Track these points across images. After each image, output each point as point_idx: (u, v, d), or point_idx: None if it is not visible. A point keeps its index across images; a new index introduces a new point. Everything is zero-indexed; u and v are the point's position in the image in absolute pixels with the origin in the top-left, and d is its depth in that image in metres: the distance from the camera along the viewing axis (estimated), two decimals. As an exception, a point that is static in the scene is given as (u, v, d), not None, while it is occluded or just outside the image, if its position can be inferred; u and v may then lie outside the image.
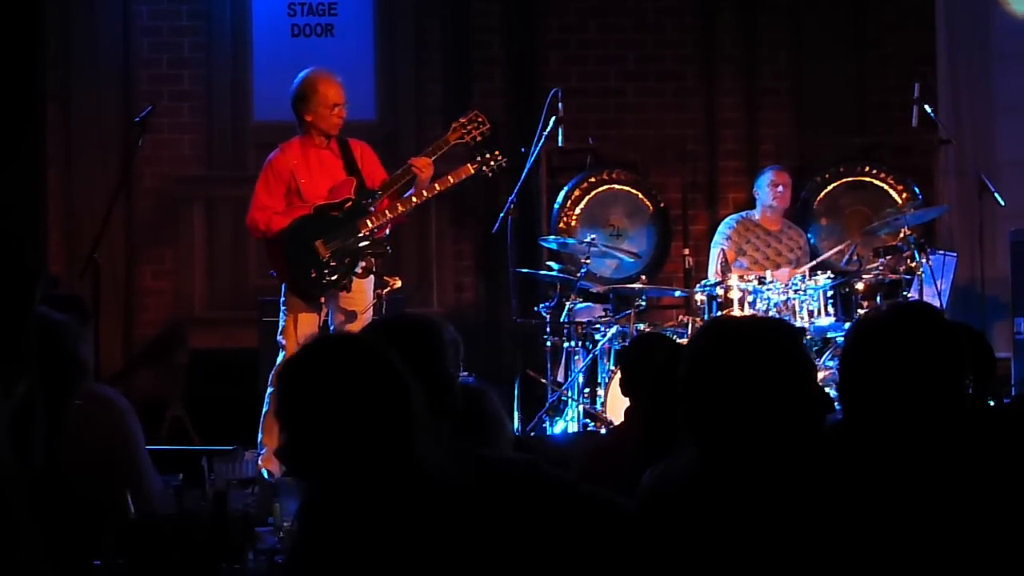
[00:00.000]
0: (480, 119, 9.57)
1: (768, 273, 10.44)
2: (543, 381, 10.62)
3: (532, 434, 10.08)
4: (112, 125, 11.54)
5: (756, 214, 11.24)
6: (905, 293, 10.49)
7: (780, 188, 11.14)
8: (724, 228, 11.28)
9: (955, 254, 11.19)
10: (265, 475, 7.52)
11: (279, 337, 9.38)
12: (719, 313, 10.13)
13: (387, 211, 9.32)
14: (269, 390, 8.97)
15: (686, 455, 3.87)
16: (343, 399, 3.53)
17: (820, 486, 3.49)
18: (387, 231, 9.45)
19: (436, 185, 9.44)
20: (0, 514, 2.95)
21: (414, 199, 9.36)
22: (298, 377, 3.60)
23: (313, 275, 9.25)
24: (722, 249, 10.99)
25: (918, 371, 3.65)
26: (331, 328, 9.19)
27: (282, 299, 9.40)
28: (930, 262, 10.55)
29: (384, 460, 3.53)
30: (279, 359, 9.02)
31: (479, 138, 9.50)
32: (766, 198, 11.17)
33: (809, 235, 11.80)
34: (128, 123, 11.00)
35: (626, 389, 6.62)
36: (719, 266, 10.66)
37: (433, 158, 9.36)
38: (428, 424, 3.66)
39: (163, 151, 11.78)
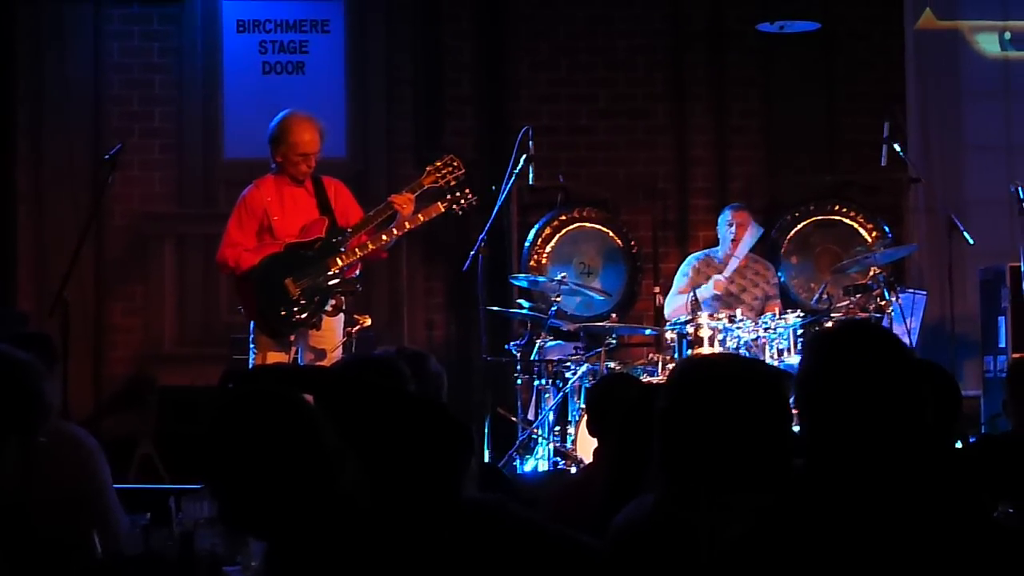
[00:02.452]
0: (455, 163, 9.56)
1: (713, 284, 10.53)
2: (513, 419, 10.59)
3: (505, 472, 10.04)
4: (82, 162, 11.50)
5: (719, 251, 11.22)
6: (880, 331, 10.48)
7: (734, 227, 11.13)
8: (685, 266, 11.31)
9: (925, 292, 11.23)
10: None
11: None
12: (689, 351, 10.13)
13: (358, 249, 9.32)
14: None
15: (654, 496, 3.85)
16: (257, 465, 3.55)
17: (793, 527, 3.46)
18: (358, 270, 9.45)
19: (407, 223, 9.44)
20: None
21: (384, 237, 9.35)
22: (212, 450, 3.63)
23: (283, 313, 9.24)
24: (686, 288, 11.03)
25: (876, 389, 3.53)
26: (301, 364, 9.18)
27: (251, 336, 9.38)
28: (900, 300, 10.56)
29: (304, 510, 3.52)
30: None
31: (453, 182, 9.47)
32: (725, 236, 11.17)
33: (780, 273, 11.80)
34: (98, 160, 10.97)
35: (593, 429, 6.61)
36: (688, 305, 10.65)
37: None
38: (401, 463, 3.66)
39: (133, 188, 11.76)
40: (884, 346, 3.57)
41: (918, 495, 3.46)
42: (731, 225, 11.14)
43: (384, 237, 9.40)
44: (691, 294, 10.87)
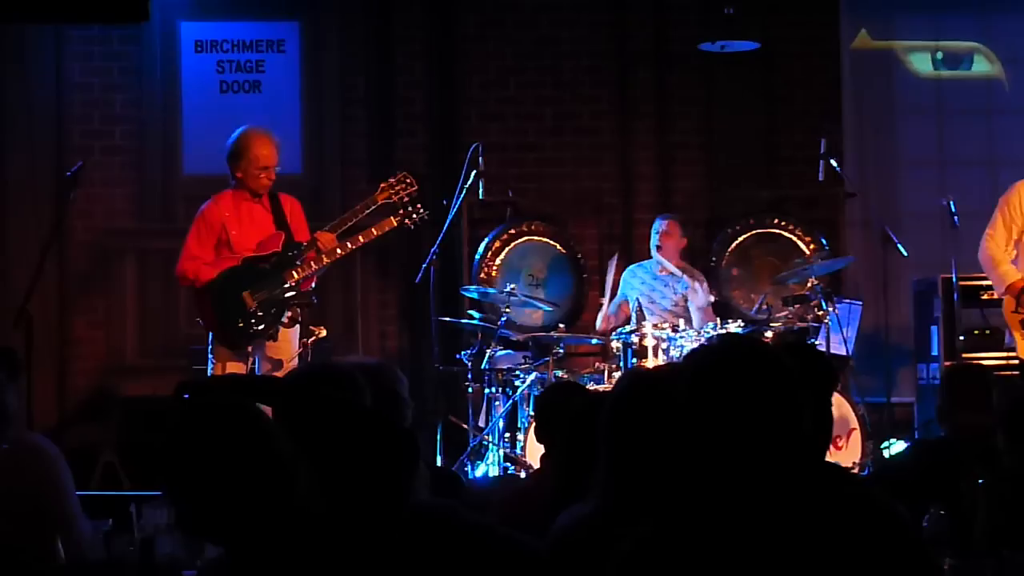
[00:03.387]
0: (408, 180, 9.63)
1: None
2: (464, 426, 10.64)
3: (457, 477, 10.09)
4: (44, 179, 11.51)
5: (653, 261, 11.31)
6: (813, 340, 10.59)
7: (663, 237, 11.22)
8: (625, 275, 11.38)
9: (860, 302, 11.29)
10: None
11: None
12: (634, 360, 10.19)
13: (313, 262, 9.35)
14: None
15: (595, 501, 3.90)
16: (212, 474, 3.58)
17: (728, 532, 3.49)
18: (313, 282, 9.49)
19: (360, 237, 9.49)
20: None
21: (338, 251, 9.40)
22: (169, 460, 3.65)
23: (240, 324, 9.27)
24: (629, 298, 11.12)
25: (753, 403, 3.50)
26: (258, 374, 9.22)
27: (210, 347, 9.41)
28: (836, 310, 10.64)
29: (258, 517, 3.56)
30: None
31: (406, 199, 9.54)
32: (652, 244, 11.28)
33: (721, 285, 11.88)
34: (60, 177, 10.99)
35: (540, 436, 6.65)
36: (635, 315, 10.70)
37: (356, 219, 9.45)
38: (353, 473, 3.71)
39: (95, 204, 11.76)
40: (760, 361, 3.59)
41: (798, 501, 3.50)
42: (657, 234, 11.23)
43: (339, 251, 9.45)
44: (636, 303, 10.92)
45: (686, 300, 11.15)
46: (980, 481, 5.72)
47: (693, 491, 3.68)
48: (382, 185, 9.64)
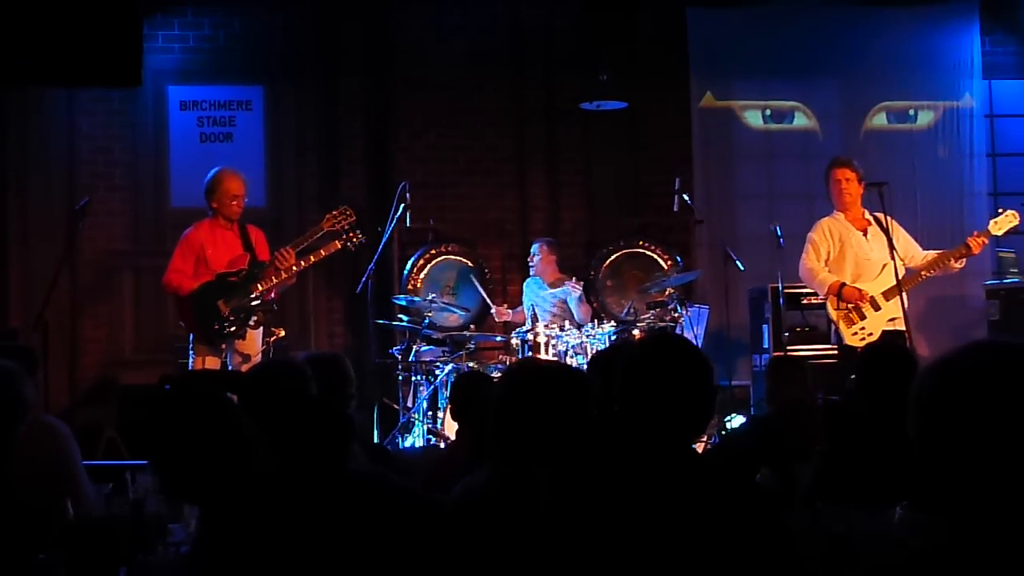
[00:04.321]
0: (348, 212, 9.71)
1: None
2: (396, 407, 10.65)
3: (389, 448, 10.05)
4: (58, 211, 11.41)
5: (536, 276, 11.43)
6: (671, 337, 10.62)
7: (538, 257, 11.38)
8: (524, 287, 11.45)
9: (707, 307, 11.34)
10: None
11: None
12: (530, 353, 10.21)
13: (274, 278, 9.35)
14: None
15: (486, 470, 3.90)
16: (189, 449, 3.57)
17: (594, 496, 3.47)
18: (273, 293, 9.48)
19: (312, 257, 9.50)
20: None
21: (294, 268, 9.40)
22: (154, 437, 3.64)
23: (216, 327, 9.27)
24: (526, 305, 11.17)
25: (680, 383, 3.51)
26: (229, 367, 9.17)
27: (191, 345, 9.38)
28: (688, 313, 10.71)
29: (224, 485, 3.54)
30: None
31: (347, 226, 9.58)
32: (531, 264, 11.41)
33: (598, 293, 11.92)
34: (71, 209, 10.90)
35: (455, 415, 6.65)
36: (530, 319, 10.73)
37: (308, 242, 9.48)
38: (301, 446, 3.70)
39: (99, 231, 11.67)
40: (684, 352, 3.62)
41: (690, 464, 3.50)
42: (535, 255, 11.31)
43: (295, 268, 9.45)
44: (531, 309, 10.95)
45: (565, 303, 11.20)
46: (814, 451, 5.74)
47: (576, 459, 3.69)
48: (327, 215, 9.70)
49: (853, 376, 6.04)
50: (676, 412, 3.47)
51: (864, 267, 9.55)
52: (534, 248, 11.43)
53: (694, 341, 10.58)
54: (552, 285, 11.34)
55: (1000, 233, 9.60)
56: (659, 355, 3.60)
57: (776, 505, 3.49)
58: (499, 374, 9.81)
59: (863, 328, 9.36)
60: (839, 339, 9.60)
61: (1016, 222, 9.57)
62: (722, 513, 3.32)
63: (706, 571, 3.22)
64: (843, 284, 9.44)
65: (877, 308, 9.41)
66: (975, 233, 9.56)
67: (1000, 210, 9.69)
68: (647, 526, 3.29)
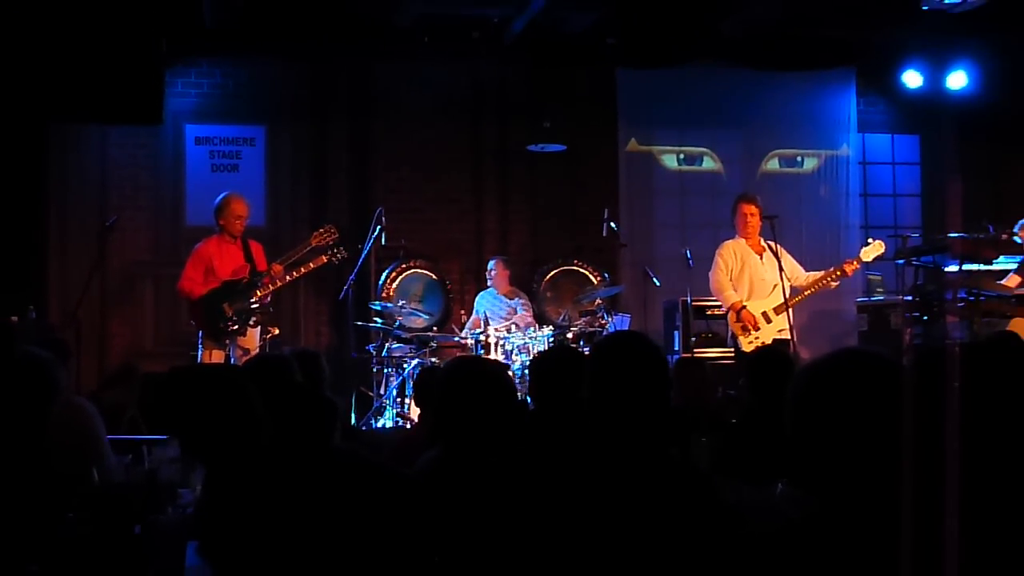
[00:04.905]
0: (331, 229, 9.79)
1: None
2: (370, 394, 10.62)
3: (363, 429, 10.04)
4: (92, 228, 11.29)
5: (491, 288, 11.41)
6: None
7: (495, 272, 11.37)
8: (477, 297, 11.43)
9: (629, 315, 11.35)
10: (188, 455, 7.39)
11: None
12: (482, 352, 10.21)
13: (271, 285, 9.37)
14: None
15: (438, 448, 3.91)
16: (200, 414, 3.58)
17: (527, 476, 3.48)
18: (269, 298, 9.49)
19: (302, 269, 9.51)
20: None
21: (287, 278, 9.43)
22: (167, 403, 3.66)
23: (221, 326, 9.26)
24: (480, 312, 11.17)
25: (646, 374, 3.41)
26: (232, 360, 9.13)
27: (199, 340, 9.36)
28: (613, 320, 10.73)
29: (239, 451, 3.54)
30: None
31: (331, 241, 9.63)
32: (489, 278, 11.40)
33: (539, 303, 11.93)
34: (102, 226, 10.83)
35: (418, 401, 6.65)
36: (483, 323, 10.73)
37: (293, 259, 9.58)
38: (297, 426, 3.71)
39: (126, 244, 11.59)
40: (647, 348, 3.55)
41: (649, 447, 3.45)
42: (491, 271, 11.33)
43: (288, 278, 9.45)
44: (483, 315, 10.96)
45: (515, 311, 11.21)
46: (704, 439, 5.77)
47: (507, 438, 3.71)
48: (314, 233, 9.80)
49: (749, 374, 6.09)
50: (643, 399, 3.39)
51: (758, 285, 9.60)
52: (491, 264, 11.43)
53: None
54: (506, 295, 11.35)
55: (869, 259, 9.68)
56: (628, 347, 3.55)
57: (709, 480, 3.44)
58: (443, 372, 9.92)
59: (757, 338, 9.42)
60: (736, 345, 9.66)
61: (882, 251, 9.65)
62: (673, 482, 3.31)
63: (643, 531, 3.18)
64: (744, 307, 9.50)
65: (769, 321, 9.47)
66: (849, 259, 9.66)
67: (870, 240, 9.78)
68: (600, 497, 3.26)
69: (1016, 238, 9.90)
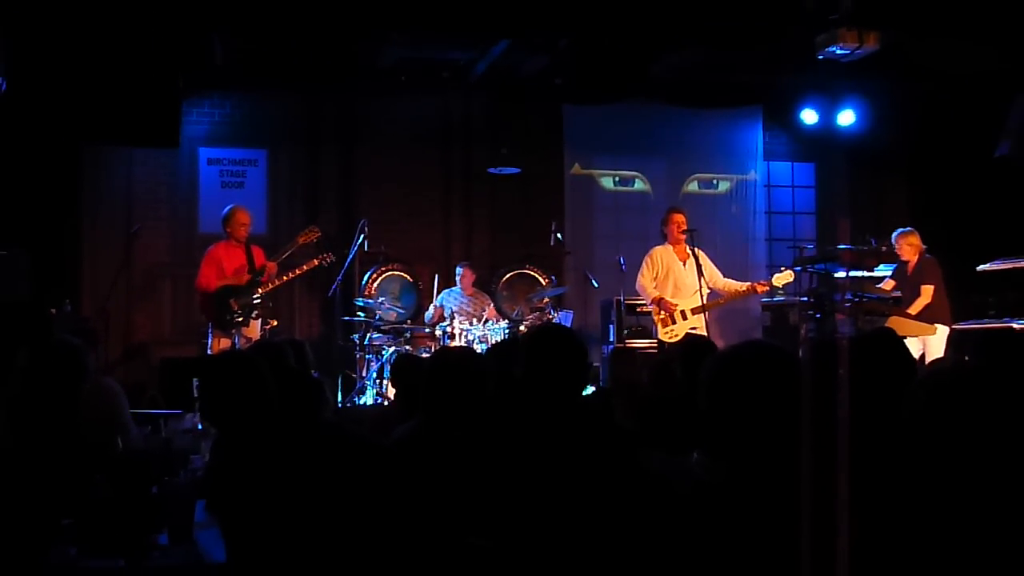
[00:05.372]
0: (314, 229, 10.01)
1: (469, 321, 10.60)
2: (354, 376, 10.58)
3: (348, 405, 10.02)
4: (119, 234, 11.24)
5: (458, 287, 11.35)
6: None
7: (462, 274, 11.31)
8: (444, 294, 11.39)
9: (572, 312, 11.38)
10: (200, 427, 7.33)
11: (208, 351, 9.30)
12: (448, 341, 10.21)
13: (269, 284, 9.34)
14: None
15: (414, 421, 3.90)
16: (227, 387, 3.57)
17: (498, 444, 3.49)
18: (266, 294, 9.48)
19: (297, 270, 9.48)
20: None
21: (284, 278, 9.41)
22: (204, 377, 3.64)
23: (228, 318, 9.22)
24: (444, 306, 11.13)
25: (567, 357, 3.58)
26: (237, 347, 9.08)
27: (210, 330, 9.30)
28: (559, 315, 10.76)
29: (252, 420, 3.53)
30: (209, 363, 8.92)
31: (314, 240, 9.65)
32: (458, 279, 11.33)
33: (497, 300, 11.93)
34: (128, 233, 10.82)
35: (394, 383, 6.62)
36: (449, 317, 10.72)
37: (288, 252, 9.68)
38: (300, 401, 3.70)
39: (148, 249, 11.49)
40: (566, 336, 3.66)
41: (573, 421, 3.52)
42: (460, 275, 11.30)
43: (284, 278, 9.42)
44: (450, 311, 10.95)
45: (480, 308, 11.20)
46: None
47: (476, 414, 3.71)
48: (300, 233, 9.93)
49: (672, 360, 6.11)
50: (567, 375, 3.55)
51: (681, 289, 9.64)
52: (459, 269, 11.36)
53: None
54: (470, 295, 11.32)
55: (779, 285, 9.75)
56: (556, 336, 3.69)
57: (633, 442, 3.54)
58: (427, 355, 9.88)
59: (673, 331, 9.48)
60: (657, 336, 9.71)
61: (791, 279, 9.72)
62: (600, 444, 3.39)
63: (580, 486, 3.25)
64: (662, 298, 9.55)
65: (684, 318, 9.52)
66: (763, 281, 9.73)
67: (782, 268, 9.83)
68: (539, 456, 3.33)
69: (894, 248, 10.01)
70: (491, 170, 12.00)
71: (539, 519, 3.17)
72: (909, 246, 9.83)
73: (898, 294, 9.83)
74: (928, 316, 9.51)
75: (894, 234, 10.00)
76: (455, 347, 8.40)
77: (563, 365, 3.56)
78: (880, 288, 10.00)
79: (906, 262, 9.86)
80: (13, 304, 7.84)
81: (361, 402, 10.13)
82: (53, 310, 9.34)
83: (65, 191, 11.19)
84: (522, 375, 3.61)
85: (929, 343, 9.42)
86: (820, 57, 8.98)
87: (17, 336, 6.63)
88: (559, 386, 3.52)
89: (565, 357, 3.58)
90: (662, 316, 9.57)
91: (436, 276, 11.52)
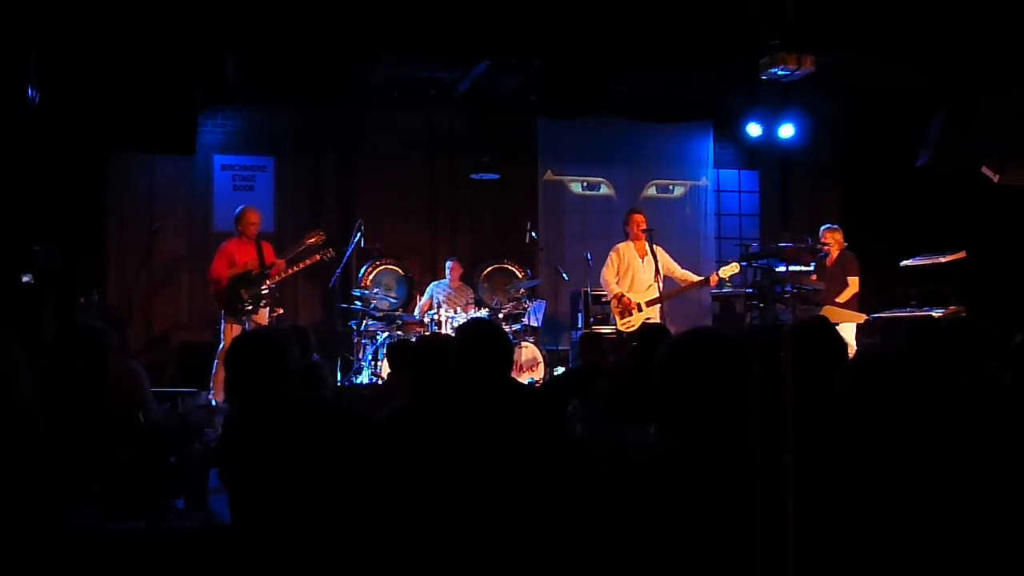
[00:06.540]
0: (319, 232, 9.94)
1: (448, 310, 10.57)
2: (352, 359, 10.56)
3: (346, 384, 9.99)
4: (142, 231, 11.13)
5: (447, 280, 11.30)
6: (523, 320, 10.68)
7: (451, 269, 11.27)
8: (431, 286, 11.35)
9: (545, 301, 11.42)
10: (213, 403, 7.30)
11: (221, 336, 9.24)
12: (435, 328, 10.19)
13: (276, 276, 9.29)
14: (215, 361, 8.76)
15: (402, 400, 3.89)
16: (247, 362, 3.53)
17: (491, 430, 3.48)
18: (273, 285, 9.42)
19: (300, 265, 9.46)
20: (28, 428, 2.85)
21: (290, 271, 9.36)
22: (230, 354, 3.60)
23: (239, 307, 9.16)
24: (432, 297, 11.11)
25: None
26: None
27: (222, 317, 9.25)
28: (533, 304, 10.76)
29: (264, 395, 3.50)
30: (220, 347, 8.87)
31: (320, 242, 9.57)
32: (447, 273, 11.28)
33: (478, 291, 11.91)
34: (150, 231, 10.75)
35: (390, 364, 6.61)
36: (436, 306, 10.70)
37: (293, 254, 9.58)
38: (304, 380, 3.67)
39: (167, 245, 11.42)
40: (491, 328, 3.69)
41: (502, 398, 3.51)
42: (448, 268, 11.27)
43: (291, 270, 9.38)
44: (438, 301, 10.93)
45: (464, 300, 11.18)
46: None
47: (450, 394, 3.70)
48: (306, 235, 9.86)
49: (634, 343, 6.12)
50: (492, 360, 3.69)
51: (638, 283, 9.65)
52: (448, 263, 11.35)
53: (537, 323, 10.67)
54: (456, 288, 11.30)
55: (726, 277, 9.73)
56: (480, 328, 3.79)
57: (566, 420, 3.59)
58: (414, 339, 9.90)
59: (628, 321, 9.50)
60: (616, 326, 9.73)
61: (737, 270, 9.71)
62: (534, 423, 3.44)
63: (525, 456, 3.30)
64: (623, 295, 9.56)
65: (640, 310, 9.54)
66: (714, 273, 9.74)
67: (730, 260, 9.85)
68: (473, 429, 3.41)
69: (822, 243, 10.06)
70: (473, 176, 11.98)
71: (478, 485, 3.20)
72: (833, 241, 9.94)
73: (821, 286, 9.88)
74: (854, 304, 9.60)
75: (821, 228, 10.10)
76: (437, 336, 8.40)
77: (488, 352, 3.73)
78: (813, 280, 10.05)
79: (826, 255, 9.95)
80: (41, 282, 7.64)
81: (358, 381, 10.09)
82: (82, 299, 9.27)
83: (93, 193, 11.10)
84: (455, 362, 3.80)
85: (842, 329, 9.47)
86: (763, 77, 9.01)
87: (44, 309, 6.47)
88: (486, 369, 3.68)
89: (489, 345, 3.75)
90: (619, 309, 9.59)
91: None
